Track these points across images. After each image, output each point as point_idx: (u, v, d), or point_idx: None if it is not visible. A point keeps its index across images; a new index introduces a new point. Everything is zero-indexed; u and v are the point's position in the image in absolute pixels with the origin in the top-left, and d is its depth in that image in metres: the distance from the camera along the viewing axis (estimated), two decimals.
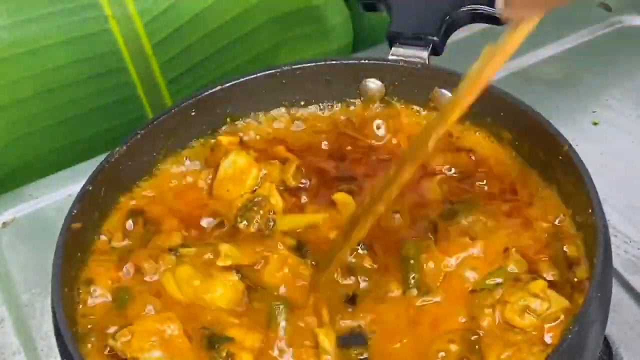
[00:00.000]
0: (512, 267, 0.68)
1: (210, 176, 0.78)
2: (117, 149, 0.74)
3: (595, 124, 1.00)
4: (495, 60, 0.60)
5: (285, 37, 1.14)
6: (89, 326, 0.68)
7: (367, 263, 0.70)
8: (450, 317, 0.67)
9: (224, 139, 0.79)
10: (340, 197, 0.74)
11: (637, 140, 0.97)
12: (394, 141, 0.80)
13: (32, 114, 1.05)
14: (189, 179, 0.78)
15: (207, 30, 1.07)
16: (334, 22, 1.16)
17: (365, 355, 0.65)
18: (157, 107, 1.09)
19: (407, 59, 0.79)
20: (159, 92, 1.09)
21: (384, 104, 0.82)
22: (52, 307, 0.65)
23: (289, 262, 0.69)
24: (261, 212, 0.73)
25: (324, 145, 0.80)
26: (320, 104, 0.83)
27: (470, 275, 0.69)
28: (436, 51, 0.80)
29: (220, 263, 0.69)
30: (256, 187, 0.76)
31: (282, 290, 0.69)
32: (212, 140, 0.80)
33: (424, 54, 0.79)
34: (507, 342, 0.64)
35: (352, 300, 0.68)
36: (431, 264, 0.69)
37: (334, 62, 0.81)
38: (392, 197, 0.65)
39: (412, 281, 0.68)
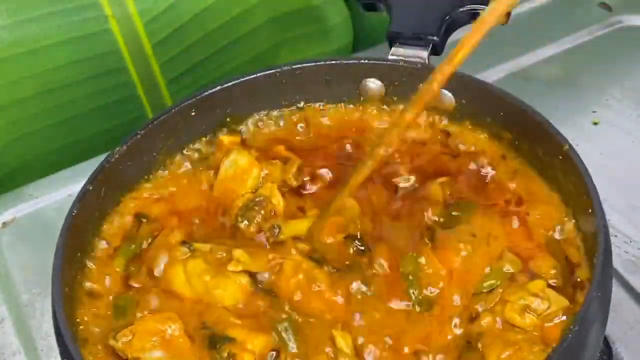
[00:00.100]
0: (507, 267, 0.68)
1: (212, 176, 0.78)
2: (117, 148, 0.74)
3: (595, 124, 1.00)
4: (480, 28, 0.62)
5: (285, 37, 1.14)
6: (90, 326, 0.68)
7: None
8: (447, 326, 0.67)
9: (225, 139, 0.79)
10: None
11: (637, 140, 0.97)
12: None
13: (32, 114, 1.05)
14: (190, 179, 0.79)
15: (207, 30, 1.07)
16: (334, 22, 1.16)
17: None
18: (157, 107, 1.09)
19: (407, 59, 0.79)
20: (159, 92, 1.09)
21: (384, 103, 0.82)
22: (53, 307, 0.65)
23: (303, 268, 0.69)
24: (262, 212, 0.73)
25: (325, 145, 0.80)
26: (321, 104, 0.83)
27: (470, 279, 0.69)
28: (436, 51, 0.79)
29: (231, 268, 0.69)
30: (258, 187, 0.76)
31: (298, 297, 0.68)
32: (213, 140, 0.81)
33: (424, 53, 0.79)
34: (508, 341, 0.64)
35: None
36: (429, 270, 0.69)
37: (334, 62, 0.81)
38: (396, 140, 0.67)
39: (414, 297, 0.68)
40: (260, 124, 0.82)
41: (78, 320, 0.68)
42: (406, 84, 0.80)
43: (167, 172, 0.79)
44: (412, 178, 0.76)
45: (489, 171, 0.76)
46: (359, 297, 0.68)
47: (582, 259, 0.68)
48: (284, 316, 0.67)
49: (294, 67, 0.80)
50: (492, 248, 0.70)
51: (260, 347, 0.65)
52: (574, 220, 0.70)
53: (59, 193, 0.98)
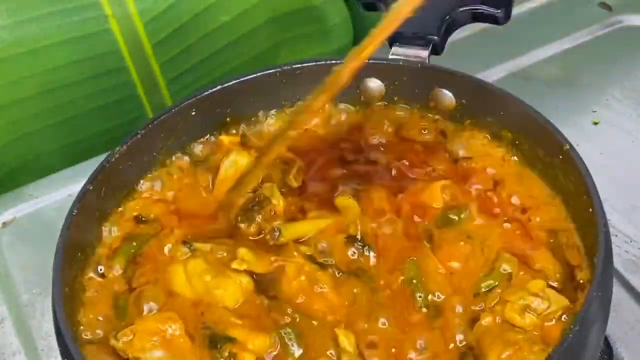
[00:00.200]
0: (504, 267, 0.68)
1: (212, 176, 0.78)
2: (118, 148, 0.74)
3: (595, 123, 1.00)
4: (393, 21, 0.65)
5: (285, 37, 1.14)
6: (90, 326, 0.68)
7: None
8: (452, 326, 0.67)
9: (225, 139, 0.79)
10: (343, 201, 0.74)
11: (637, 140, 0.97)
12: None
13: (32, 114, 1.05)
14: (191, 179, 0.78)
15: (207, 30, 1.07)
16: (334, 22, 1.16)
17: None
18: (157, 107, 1.09)
19: (407, 59, 0.79)
20: (159, 92, 1.09)
21: (384, 103, 0.81)
22: (53, 307, 0.65)
23: (306, 270, 0.69)
24: (262, 212, 0.73)
25: (325, 145, 0.80)
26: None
27: (468, 280, 0.69)
28: (436, 51, 0.79)
29: (235, 266, 0.69)
30: (257, 188, 0.76)
31: (300, 299, 0.68)
32: (213, 140, 0.80)
33: (424, 53, 0.79)
34: (508, 341, 0.64)
35: None
36: (431, 272, 0.69)
37: (334, 62, 0.80)
38: (304, 123, 0.69)
39: (420, 300, 0.68)
40: (260, 124, 0.82)
41: (78, 320, 0.68)
42: (406, 83, 0.80)
43: (167, 172, 0.79)
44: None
45: (489, 176, 0.76)
46: (364, 301, 0.68)
47: (583, 259, 0.68)
48: (286, 319, 0.67)
49: (294, 67, 0.80)
50: (489, 249, 0.70)
51: (261, 347, 0.65)
52: (574, 221, 0.70)
53: (59, 193, 0.98)
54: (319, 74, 0.80)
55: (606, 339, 0.79)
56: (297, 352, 0.66)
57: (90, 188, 0.72)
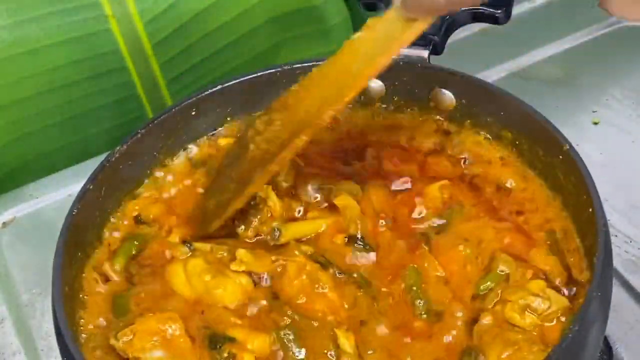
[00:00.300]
0: (501, 268, 0.68)
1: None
2: (118, 148, 0.74)
3: (595, 123, 1.00)
4: (394, 50, 0.64)
5: (285, 37, 1.14)
6: (90, 325, 0.68)
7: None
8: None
9: (222, 141, 0.79)
10: (342, 201, 0.74)
11: (637, 140, 0.97)
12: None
13: (32, 114, 1.05)
14: (191, 179, 0.78)
15: (207, 30, 1.07)
16: (334, 22, 1.16)
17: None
18: (157, 107, 1.09)
19: (407, 58, 0.79)
20: (159, 92, 1.09)
21: (384, 103, 0.81)
22: (53, 307, 0.65)
23: (307, 270, 0.69)
24: (259, 215, 0.73)
25: (324, 145, 0.80)
26: None
27: (467, 282, 0.69)
28: (436, 50, 0.79)
29: (234, 268, 0.69)
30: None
31: (301, 300, 0.68)
32: (214, 140, 0.80)
33: (424, 53, 0.79)
34: (508, 341, 0.64)
35: None
36: (430, 276, 0.69)
37: None
38: (287, 160, 0.68)
39: (420, 306, 0.68)
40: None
41: (78, 319, 0.68)
42: (406, 83, 0.80)
43: (167, 172, 0.79)
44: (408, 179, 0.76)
45: (487, 175, 0.76)
46: (364, 305, 0.68)
47: (582, 259, 0.68)
48: (286, 319, 0.67)
49: (294, 67, 0.80)
50: (486, 250, 0.70)
51: (261, 347, 0.65)
52: (573, 221, 0.70)
53: (59, 193, 0.98)
54: None
55: (606, 339, 0.79)
56: (297, 353, 0.65)
57: (91, 187, 0.72)
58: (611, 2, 0.59)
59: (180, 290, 0.69)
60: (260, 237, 0.73)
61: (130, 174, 0.77)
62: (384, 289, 0.69)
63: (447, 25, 0.80)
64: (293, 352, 0.65)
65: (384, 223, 0.73)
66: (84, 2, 1.00)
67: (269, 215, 0.73)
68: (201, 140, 0.80)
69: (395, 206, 0.74)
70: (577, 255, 0.68)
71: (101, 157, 0.74)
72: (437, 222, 0.73)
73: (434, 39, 0.79)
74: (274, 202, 0.73)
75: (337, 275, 0.69)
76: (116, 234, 0.74)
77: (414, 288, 0.68)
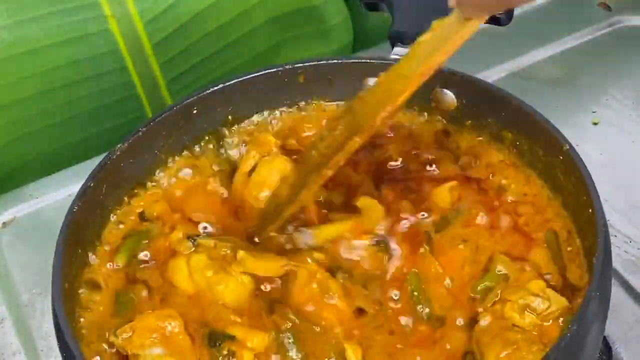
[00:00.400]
0: (499, 268, 0.68)
1: (219, 174, 0.78)
2: (119, 145, 0.74)
3: (595, 124, 1.00)
4: (447, 48, 0.64)
5: (285, 37, 1.14)
6: (90, 322, 0.68)
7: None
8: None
9: (264, 137, 0.78)
10: (364, 202, 0.73)
11: (637, 140, 0.97)
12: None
13: (32, 114, 1.05)
14: (193, 177, 0.78)
15: (207, 30, 1.07)
16: (334, 22, 1.16)
17: None
18: (157, 107, 1.09)
19: None
20: (159, 92, 1.09)
21: None
22: (53, 304, 0.65)
23: (318, 278, 0.68)
24: (295, 222, 0.72)
25: None
26: (324, 103, 0.82)
27: (466, 283, 0.69)
28: None
29: (233, 268, 0.69)
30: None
31: (310, 307, 0.68)
32: (220, 138, 0.80)
33: None
34: (507, 340, 0.64)
35: None
36: (432, 280, 0.69)
37: (335, 61, 0.81)
38: (340, 164, 0.68)
39: (422, 313, 0.68)
40: (262, 123, 0.82)
41: (78, 317, 0.68)
42: None
43: (169, 169, 0.79)
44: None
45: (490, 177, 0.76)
46: (372, 312, 0.68)
47: (582, 260, 0.68)
48: (287, 323, 0.67)
49: (295, 66, 0.80)
50: (485, 251, 0.70)
51: (260, 345, 0.65)
52: (573, 221, 0.70)
53: (59, 193, 0.98)
54: (321, 74, 0.80)
55: (605, 339, 0.79)
56: (295, 356, 0.65)
57: (92, 185, 0.72)
58: None
59: (182, 285, 0.70)
60: (274, 237, 0.72)
61: (132, 172, 0.76)
62: (390, 294, 0.69)
63: None
64: (291, 356, 0.65)
65: (407, 224, 0.73)
66: (84, 2, 1.00)
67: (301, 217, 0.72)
68: (206, 139, 0.80)
69: (406, 207, 0.74)
70: (577, 256, 0.68)
71: (101, 157, 0.74)
72: (439, 223, 0.73)
73: None
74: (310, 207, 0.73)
75: (348, 283, 0.69)
76: (118, 232, 0.74)
77: (415, 293, 0.68)
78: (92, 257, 0.72)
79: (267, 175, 0.75)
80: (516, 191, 0.74)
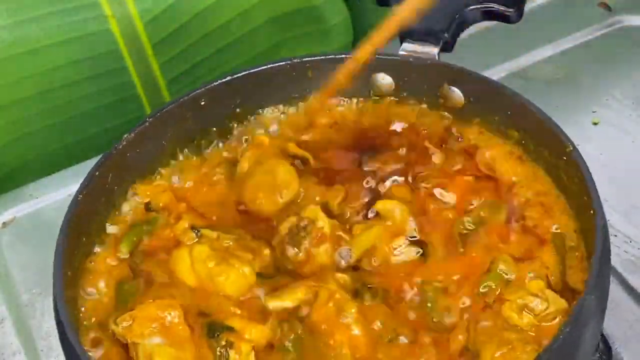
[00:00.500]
0: (501, 268, 0.68)
1: (225, 169, 0.78)
2: (126, 136, 0.74)
3: (595, 124, 1.00)
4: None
5: (285, 37, 1.14)
6: (93, 310, 0.69)
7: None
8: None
9: (266, 139, 0.78)
10: (384, 205, 0.73)
11: (637, 140, 0.97)
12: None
13: (32, 114, 1.05)
14: (199, 169, 0.78)
15: (207, 30, 1.07)
16: (334, 22, 1.16)
17: None
18: (157, 107, 1.09)
19: (416, 55, 0.79)
20: (159, 92, 1.09)
21: (394, 98, 0.81)
22: (54, 295, 0.65)
23: (336, 298, 0.67)
24: (309, 237, 0.71)
25: (339, 146, 0.80)
26: (332, 99, 0.82)
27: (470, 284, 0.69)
28: (446, 48, 0.80)
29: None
30: (292, 202, 0.75)
31: (324, 327, 0.66)
32: (228, 133, 0.80)
33: (434, 50, 0.79)
34: (503, 340, 0.64)
35: None
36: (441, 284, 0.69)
37: (343, 56, 0.81)
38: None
39: (433, 322, 0.67)
40: (269, 117, 0.82)
41: (80, 305, 0.69)
42: (416, 79, 0.79)
43: (175, 161, 0.79)
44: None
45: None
46: (386, 340, 0.67)
47: (586, 264, 0.68)
48: (292, 336, 0.66)
49: (303, 60, 0.80)
50: (492, 251, 0.70)
51: (258, 337, 0.66)
52: (576, 222, 0.70)
53: (59, 193, 0.98)
54: (328, 68, 0.80)
55: (605, 338, 0.79)
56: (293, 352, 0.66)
57: (97, 174, 0.72)
58: None
59: (184, 275, 0.70)
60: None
61: (138, 162, 0.76)
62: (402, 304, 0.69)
63: (457, 23, 0.80)
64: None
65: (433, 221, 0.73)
66: (84, 2, 1.00)
67: (318, 236, 0.71)
68: (214, 132, 0.80)
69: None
70: (582, 260, 0.68)
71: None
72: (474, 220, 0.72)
73: (444, 37, 0.79)
74: (324, 223, 0.72)
75: (369, 301, 0.68)
76: (123, 222, 0.75)
77: (429, 304, 0.68)
78: (96, 246, 0.73)
79: (261, 178, 0.75)
80: (525, 190, 0.74)
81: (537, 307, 0.65)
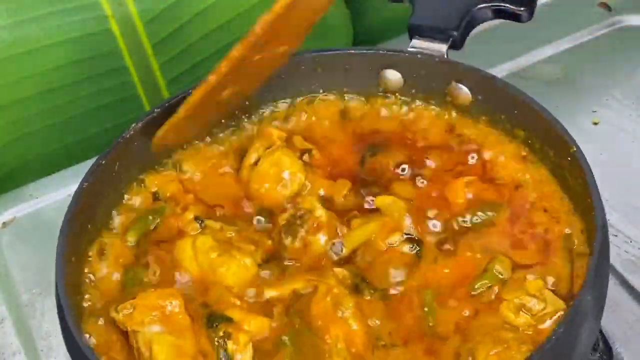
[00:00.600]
0: (497, 268, 0.68)
1: (233, 161, 0.78)
2: (133, 125, 0.74)
3: (595, 124, 1.00)
4: None
5: None
6: (94, 298, 0.69)
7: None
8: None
9: (275, 132, 0.78)
10: (383, 200, 0.73)
11: (637, 140, 0.97)
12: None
13: (32, 114, 1.05)
14: (208, 161, 0.78)
15: (207, 30, 1.07)
16: (334, 22, 1.16)
17: None
18: None
19: (425, 52, 0.79)
20: (159, 92, 1.09)
21: (402, 95, 0.81)
22: (56, 283, 0.66)
23: (334, 292, 0.67)
24: (305, 226, 0.72)
25: (343, 136, 0.80)
26: (340, 94, 0.82)
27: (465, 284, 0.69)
28: (455, 45, 0.80)
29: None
30: (297, 194, 0.75)
31: (320, 322, 0.67)
32: (237, 125, 0.80)
33: (443, 47, 0.79)
34: (498, 339, 0.64)
35: None
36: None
37: (352, 51, 0.81)
38: (222, 70, 0.68)
39: (429, 327, 0.67)
40: (278, 111, 0.82)
41: (84, 291, 0.69)
42: (424, 76, 0.79)
43: (183, 151, 0.79)
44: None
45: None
46: (383, 344, 0.67)
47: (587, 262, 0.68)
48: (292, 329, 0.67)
49: (313, 54, 0.80)
50: (492, 252, 0.70)
51: (257, 329, 0.66)
52: (582, 224, 0.70)
53: (59, 193, 0.98)
54: (337, 62, 0.80)
55: (605, 339, 0.79)
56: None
57: (103, 162, 0.72)
58: None
59: (186, 266, 0.70)
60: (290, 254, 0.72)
61: (146, 152, 0.76)
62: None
63: (467, 20, 0.80)
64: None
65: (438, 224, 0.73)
66: (84, 2, 1.00)
67: (314, 225, 0.72)
68: (223, 125, 0.80)
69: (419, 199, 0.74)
70: (582, 258, 0.68)
71: None
72: (463, 220, 0.73)
73: (453, 34, 0.79)
74: (321, 213, 0.72)
75: (369, 296, 0.68)
76: (130, 211, 0.75)
77: (426, 309, 0.68)
78: (102, 234, 0.73)
79: (268, 169, 0.75)
80: (531, 192, 0.74)
81: (534, 307, 0.65)
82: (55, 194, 0.98)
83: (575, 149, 0.69)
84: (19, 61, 1.00)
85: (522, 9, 0.80)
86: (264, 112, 0.82)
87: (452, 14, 0.80)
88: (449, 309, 0.67)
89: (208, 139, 0.80)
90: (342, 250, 0.71)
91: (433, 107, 0.80)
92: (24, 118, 1.05)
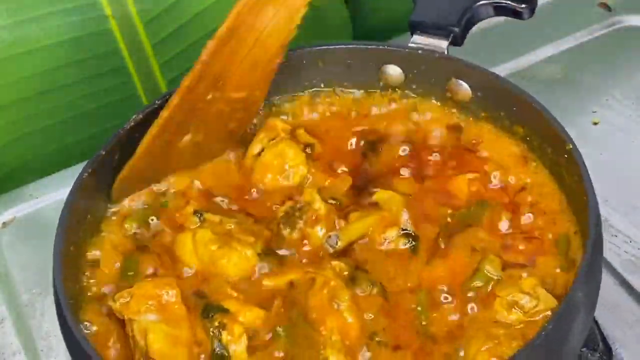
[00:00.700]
0: (488, 268, 0.68)
1: (239, 154, 0.78)
2: (134, 116, 0.74)
3: (595, 124, 1.00)
4: None
5: None
6: (93, 286, 0.70)
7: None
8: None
9: (279, 124, 0.78)
10: (382, 195, 0.73)
11: (637, 140, 0.97)
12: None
13: (32, 114, 1.05)
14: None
15: (207, 30, 1.07)
16: (334, 22, 1.16)
17: None
18: None
19: (426, 48, 0.79)
20: (159, 92, 1.09)
21: (403, 90, 0.81)
22: (54, 274, 0.66)
23: (331, 285, 0.68)
24: (304, 218, 0.72)
25: (345, 131, 0.80)
26: (341, 88, 0.82)
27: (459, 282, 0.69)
28: (456, 42, 0.80)
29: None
30: (299, 185, 0.75)
31: (316, 314, 0.67)
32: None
33: (444, 43, 0.79)
34: (490, 335, 0.64)
35: None
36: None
37: (353, 46, 0.81)
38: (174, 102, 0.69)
39: (421, 326, 0.67)
40: (280, 105, 0.82)
41: (81, 279, 0.70)
42: (424, 72, 0.79)
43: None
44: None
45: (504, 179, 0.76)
46: (377, 340, 0.67)
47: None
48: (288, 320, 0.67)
49: (315, 48, 0.80)
50: (486, 252, 0.70)
51: (252, 320, 0.66)
52: (577, 223, 0.70)
53: (59, 193, 0.98)
54: (338, 57, 0.80)
55: (605, 339, 0.79)
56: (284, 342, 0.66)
57: (104, 153, 0.73)
58: None
59: (186, 259, 0.70)
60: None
61: None
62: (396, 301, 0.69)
63: (468, 17, 0.80)
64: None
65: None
66: (84, 2, 1.00)
67: (313, 218, 0.72)
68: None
69: (421, 196, 0.74)
70: (577, 254, 0.68)
71: None
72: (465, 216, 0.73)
73: (454, 30, 0.79)
74: (319, 206, 0.73)
75: (365, 289, 0.68)
76: (131, 200, 0.75)
77: (419, 308, 0.68)
78: (101, 224, 0.73)
79: (271, 160, 0.76)
80: (530, 189, 0.74)
81: (526, 304, 0.65)
82: (55, 194, 0.98)
83: (571, 146, 0.69)
84: (19, 61, 1.00)
85: (523, 6, 0.80)
86: (267, 104, 0.82)
87: (453, 10, 0.80)
88: (442, 307, 0.68)
89: None
90: (337, 243, 0.72)
91: (433, 102, 0.80)
92: (24, 118, 1.05)
